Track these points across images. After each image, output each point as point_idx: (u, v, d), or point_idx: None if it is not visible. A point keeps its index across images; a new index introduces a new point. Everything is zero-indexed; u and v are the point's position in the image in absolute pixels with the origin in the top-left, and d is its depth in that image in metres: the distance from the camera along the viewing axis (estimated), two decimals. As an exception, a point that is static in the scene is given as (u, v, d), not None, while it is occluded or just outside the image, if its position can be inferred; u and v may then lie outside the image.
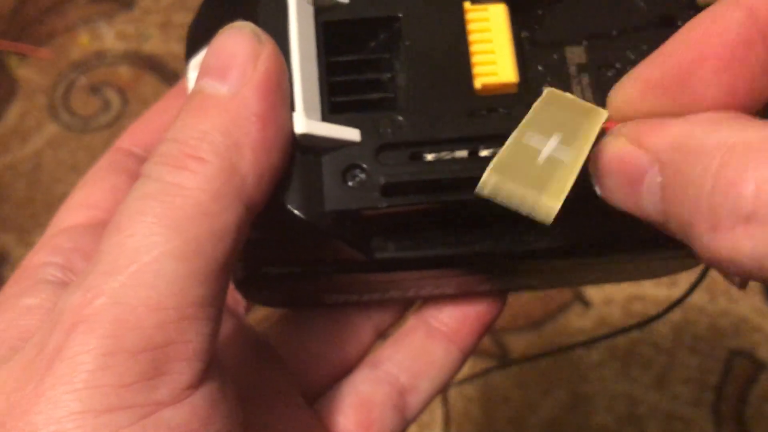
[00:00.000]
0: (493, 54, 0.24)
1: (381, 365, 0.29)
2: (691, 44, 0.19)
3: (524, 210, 0.20)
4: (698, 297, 0.58)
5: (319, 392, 0.29)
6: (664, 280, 0.59)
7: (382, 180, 0.22)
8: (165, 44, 0.72)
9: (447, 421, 0.54)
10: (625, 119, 0.20)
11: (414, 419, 0.29)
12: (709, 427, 0.53)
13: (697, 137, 0.17)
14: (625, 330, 0.35)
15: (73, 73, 0.71)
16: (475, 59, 0.24)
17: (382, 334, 0.30)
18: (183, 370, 0.19)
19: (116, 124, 0.68)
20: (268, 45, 0.21)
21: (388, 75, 0.24)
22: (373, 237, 0.24)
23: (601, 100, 0.23)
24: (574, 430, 0.54)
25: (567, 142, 0.20)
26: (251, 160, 0.20)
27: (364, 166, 0.22)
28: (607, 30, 0.25)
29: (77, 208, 0.27)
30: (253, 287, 0.26)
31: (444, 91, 0.23)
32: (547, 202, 0.19)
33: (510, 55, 0.24)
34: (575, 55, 0.25)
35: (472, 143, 0.23)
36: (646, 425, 0.54)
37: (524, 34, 0.25)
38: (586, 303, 0.58)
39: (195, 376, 0.19)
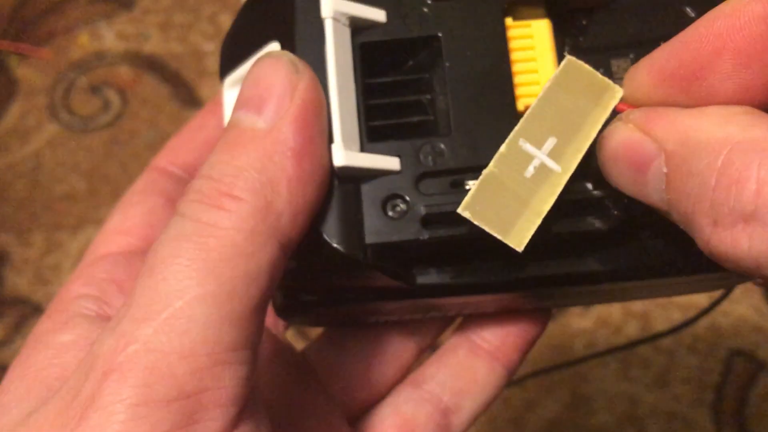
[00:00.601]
0: (536, 73, 0.23)
1: (423, 384, 0.28)
2: (710, 37, 0.18)
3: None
4: (698, 297, 0.58)
5: (360, 412, 0.28)
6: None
7: (422, 210, 0.22)
8: (165, 44, 0.72)
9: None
10: (637, 103, 0.20)
11: None
12: (709, 427, 0.53)
13: (705, 131, 0.17)
14: (654, 337, 0.35)
15: (73, 73, 0.71)
16: (517, 79, 0.23)
17: (424, 351, 0.29)
18: (217, 417, 0.18)
19: (116, 124, 0.68)
20: (305, 75, 0.21)
21: (428, 96, 0.23)
22: (415, 264, 0.23)
23: None
24: (574, 429, 0.54)
25: (565, 141, 0.20)
26: (287, 196, 0.20)
27: (405, 196, 0.22)
28: (654, 40, 0.23)
29: (113, 235, 0.27)
30: (293, 314, 0.26)
31: (485, 113, 0.23)
32: (512, 242, 0.20)
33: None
34: (621, 69, 0.24)
35: None
36: (646, 425, 0.54)
37: (568, 48, 0.24)
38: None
39: (229, 422, 0.19)
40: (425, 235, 0.22)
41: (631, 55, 0.24)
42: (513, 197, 0.20)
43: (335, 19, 0.22)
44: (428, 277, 0.23)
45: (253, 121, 0.20)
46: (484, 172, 0.20)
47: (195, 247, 0.19)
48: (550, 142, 0.20)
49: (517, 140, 0.20)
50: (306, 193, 0.20)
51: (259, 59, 0.21)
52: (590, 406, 0.54)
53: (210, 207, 0.19)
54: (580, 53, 0.23)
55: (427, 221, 0.22)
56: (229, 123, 0.21)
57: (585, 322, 0.57)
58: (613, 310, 0.58)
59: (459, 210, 0.20)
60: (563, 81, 0.21)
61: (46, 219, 0.66)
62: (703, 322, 0.57)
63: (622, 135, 0.19)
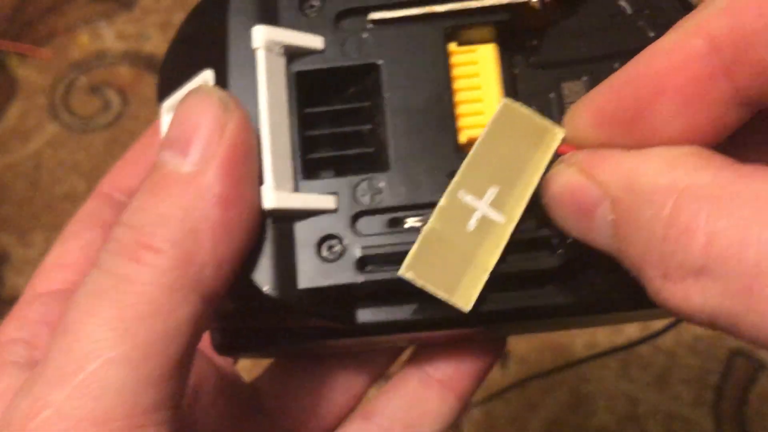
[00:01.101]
0: (480, 103, 0.22)
1: (374, 417, 0.27)
2: (650, 77, 0.17)
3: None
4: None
5: None
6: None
7: (358, 252, 0.21)
8: (165, 44, 0.71)
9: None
10: (580, 144, 0.19)
11: None
12: (709, 427, 0.53)
13: (650, 176, 0.16)
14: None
15: (73, 73, 0.71)
16: (460, 110, 0.22)
17: (375, 381, 0.29)
18: None
19: (116, 124, 0.68)
20: (235, 115, 0.20)
21: (368, 127, 0.22)
22: (356, 301, 0.22)
23: None
24: (574, 430, 0.54)
25: (507, 190, 0.19)
26: (210, 247, 0.19)
27: (341, 236, 0.21)
28: (609, 61, 0.22)
29: (52, 270, 0.26)
30: (232, 352, 0.25)
31: (426, 147, 0.21)
32: (458, 302, 0.19)
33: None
34: (573, 92, 0.23)
35: None
36: (646, 425, 0.53)
37: (517, 70, 0.23)
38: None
39: None
40: (360, 279, 0.21)
41: (584, 78, 0.22)
42: (456, 253, 0.19)
43: (268, 49, 0.21)
44: (369, 315, 0.22)
45: (177, 163, 0.19)
46: (424, 228, 0.19)
47: (110, 305, 0.18)
48: (492, 192, 0.20)
49: (457, 192, 0.19)
50: (232, 241, 0.19)
51: (187, 94, 0.20)
52: (590, 406, 0.54)
53: (128, 260, 0.18)
54: (530, 75, 0.22)
55: (363, 263, 0.21)
56: (155, 164, 0.20)
57: (585, 322, 0.57)
58: (613, 310, 0.58)
59: (400, 272, 0.19)
60: (501, 126, 0.20)
61: (47, 219, 0.66)
62: (703, 322, 0.57)
63: (566, 179, 0.18)
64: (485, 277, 0.19)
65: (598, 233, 0.18)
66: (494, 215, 0.19)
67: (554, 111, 0.22)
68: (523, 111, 0.20)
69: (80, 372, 0.17)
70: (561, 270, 0.21)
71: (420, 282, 0.19)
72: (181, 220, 0.19)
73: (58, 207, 0.66)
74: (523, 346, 0.57)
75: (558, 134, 0.20)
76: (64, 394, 0.17)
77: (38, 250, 0.64)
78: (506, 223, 0.19)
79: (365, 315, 0.22)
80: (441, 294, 0.19)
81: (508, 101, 0.20)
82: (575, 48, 0.22)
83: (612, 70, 0.20)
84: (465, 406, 0.27)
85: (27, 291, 0.26)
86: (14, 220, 0.66)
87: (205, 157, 0.19)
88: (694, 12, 0.17)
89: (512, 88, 0.22)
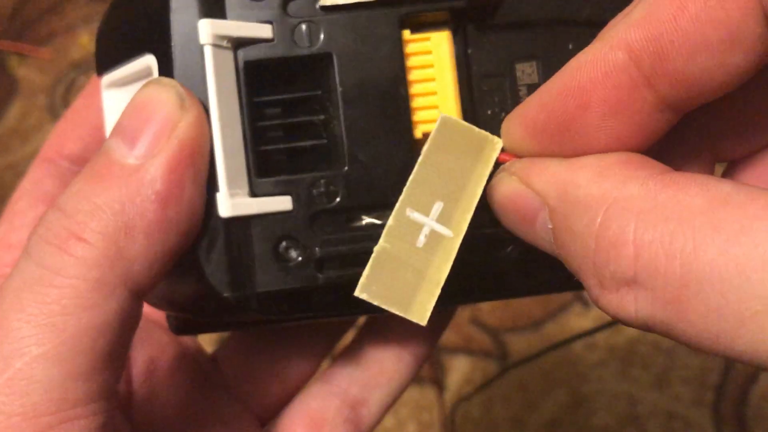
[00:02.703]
0: (435, 96, 0.22)
1: (331, 380, 0.28)
2: (575, 89, 0.18)
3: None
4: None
5: (272, 412, 0.28)
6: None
7: (317, 253, 0.21)
8: (165, 44, 0.72)
9: (447, 421, 0.54)
10: (517, 153, 0.19)
11: (370, 431, 0.28)
12: (709, 427, 0.53)
13: (582, 186, 0.17)
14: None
15: (73, 73, 0.71)
16: (415, 103, 0.21)
17: (332, 349, 0.29)
18: None
19: (116, 124, 0.68)
20: (190, 113, 0.19)
21: (322, 117, 0.21)
22: (311, 297, 0.22)
23: None
24: (574, 430, 0.54)
25: (452, 204, 0.20)
26: (142, 244, 0.18)
27: (298, 238, 0.21)
28: (562, 43, 0.22)
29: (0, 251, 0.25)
30: (187, 333, 0.25)
31: (382, 142, 0.21)
32: (414, 317, 0.19)
33: (453, 97, 0.22)
34: (526, 74, 0.22)
35: None
36: (646, 425, 0.54)
37: (471, 50, 0.22)
38: (586, 303, 0.58)
39: None
40: (320, 281, 0.21)
41: (534, 62, 0.22)
42: (408, 270, 0.19)
43: (215, 45, 0.20)
44: (324, 300, 0.22)
45: (123, 153, 0.19)
46: (375, 248, 0.19)
47: (36, 300, 0.18)
48: (438, 207, 0.20)
49: (404, 210, 0.19)
50: (167, 240, 0.19)
51: (147, 84, 0.20)
52: (590, 406, 0.54)
53: (57, 250, 0.18)
54: (484, 57, 0.22)
55: (322, 263, 0.21)
56: (101, 149, 0.19)
57: (585, 322, 0.57)
58: (613, 310, 0.58)
59: (356, 293, 0.19)
60: (441, 141, 0.20)
61: (46, 219, 0.66)
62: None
63: (507, 187, 0.19)
64: (438, 290, 0.20)
65: (541, 238, 0.18)
66: (442, 229, 0.20)
67: (508, 92, 0.22)
68: (461, 124, 0.20)
69: (8, 369, 0.18)
70: (514, 258, 0.22)
71: (374, 302, 0.19)
72: (115, 213, 0.18)
73: (58, 207, 0.66)
74: (522, 346, 0.57)
75: (497, 144, 0.20)
76: None
77: (38, 250, 0.64)
78: (454, 236, 0.20)
79: (320, 300, 0.22)
80: (396, 311, 0.19)
81: (446, 116, 0.20)
82: (529, 32, 0.22)
83: (566, 53, 0.21)
84: (421, 364, 0.28)
85: None
86: (14, 220, 0.66)
87: (151, 151, 0.19)
88: (614, 22, 0.18)
89: (466, 70, 0.22)
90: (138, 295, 0.19)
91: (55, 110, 0.70)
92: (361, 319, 0.29)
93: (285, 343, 0.28)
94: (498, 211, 0.20)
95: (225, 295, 0.20)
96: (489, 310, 0.58)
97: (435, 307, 0.24)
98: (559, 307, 0.58)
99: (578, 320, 0.58)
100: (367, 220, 0.21)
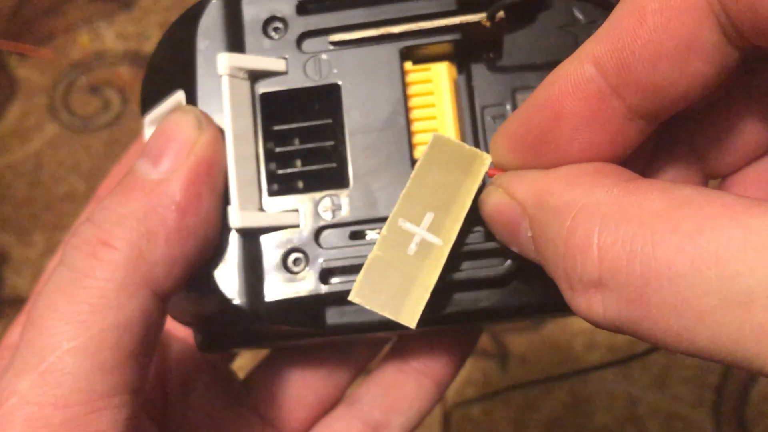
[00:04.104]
0: (434, 120, 0.23)
1: (355, 403, 0.29)
2: (550, 101, 0.19)
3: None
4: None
5: None
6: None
7: (322, 264, 0.22)
8: (165, 44, 0.72)
9: (447, 421, 0.54)
10: (504, 168, 0.20)
11: None
12: (709, 427, 0.53)
13: (555, 195, 0.18)
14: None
15: (73, 73, 0.71)
16: (415, 127, 0.23)
17: (359, 374, 0.31)
18: None
19: (116, 124, 0.68)
20: (207, 133, 0.22)
21: (331, 143, 0.23)
22: (320, 308, 0.23)
23: None
24: (574, 430, 0.54)
25: (442, 214, 0.21)
26: (163, 249, 0.20)
27: (304, 250, 0.22)
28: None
29: None
30: (213, 351, 0.27)
31: (383, 164, 0.23)
32: (404, 320, 0.20)
33: (452, 119, 0.23)
34: None
35: None
36: (646, 425, 0.54)
37: (475, 82, 0.24)
38: (586, 303, 0.58)
39: None
40: (323, 290, 0.22)
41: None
42: (400, 276, 0.21)
43: (232, 76, 0.22)
44: (336, 318, 0.23)
45: (147, 171, 0.21)
46: (369, 256, 0.21)
47: (68, 300, 0.20)
48: (429, 218, 0.21)
49: (397, 220, 0.21)
50: (186, 246, 0.21)
51: (170, 112, 0.22)
52: (590, 406, 0.54)
53: (86, 256, 0.20)
54: (486, 87, 0.24)
55: (327, 274, 0.22)
56: (129, 171, 0.22)
57: (585, 322, 0.57)
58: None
59: (350, 297, 0.20)
60: (433, 157, 0.21)
61: (46, 219, 0.66)
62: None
63: (493, 199, 0.20)
64: (427, 295, 0.21)
65: (525, 247, 0.19)
66: (432, 238, 0.21)
67: None
68: (452, 141, 0.22)
69: (42, 363, 0.19)
70: (511, 275, 0.23)
71: (367, 306, 0.20)
72: (139, 221, 0.20)
73: (57, 207, 0.66)
74: (523, 346, 0.57)
75: (486, 159, 0.21)
76: (28, 382, 0.19)
77: (38, 250, 0.64)
78: (443, 244, 0.21)
79: (333, 317, 0.23)
80: (387, 315, 0.20)
81: (438, 134, 0.22)
82: (529, 56, 0.24)
83: None
84: (443, 391, 0.30)
85: (31, 296, 0.27)
86: (14, 220, 0.66)
87: (172, 167, 0.21)
88: (589, 38, 0.19)
89: (470, 99, 0.24)
90: (160, 296, 0.21)
91: (54, 110, 0.70)
92: (386, 347, 0.31)
93: (312, 368, 0.30)
94: (488, 223, 0.21)
95: (236, 303, 0.22)
96: (489, 310, 0.58)
97: (456, 336, 0.26)
98: (559, 307, 0.58)
99: (578, 320, 0.57)
100: (370, 235, 0.23)
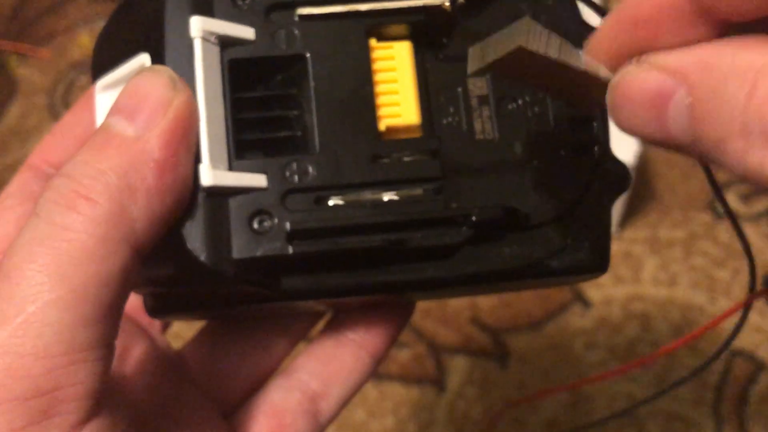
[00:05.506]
0: (397, 95, 0.24)
1: (293, 374, 0.30)
2: (640, 4, 0.19)
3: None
4: (698, 297, 0.58)
5: (236, 405, 0.30)
6: (664, 280, 0.59)
7: (287, 226, 0.23)
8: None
9: (447, 420, 0.54)
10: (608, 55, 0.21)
11: (328, 423, 0.30)
12: (709, 427, 0.53)
13: (727, 58, 0.18)
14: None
15: (73, 73, 0.71)
16: (379, 100, 0.24)
17: (296, 345, 0.31)
18: (72, 410, 0.20)
19: (116, 124, 0.68)
20: (182, 93, 0.22)
21: (295, 113, 0.24)
22: (281, 271, 0.24)
23: (502, 133, 0.25)
24: (574, 430, 0.54)
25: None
26: (143, 205, 0.21)
27: (271, 212, 0.23)
28: None
29: None
30: (163, 315, 0.27)
31: (349, 133, 0.24)
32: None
33: (413, 96, 0.24)
34: (477, 87, 0.25)
35: (375, 188, 0.23)
36: (646, 425, 0.54)
37: (429, 65, 0.25)
38: (586, 303, 0.58)
39: (84, 414, 0.20)
40: (290, 251, 0.23)
41: (487, 75, 0.25)
42: None
43: (204, 39, 0.23)
44: (292, 283, 0.24)
45: (123, 127, 0.21)
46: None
47: (47, 252, 0.20)
48: None
49: None
50: (164, 204, 0.21)
51: (139, 72, 0.22)
52: (590, 406, 0.54)
53: (65, 209, 0.20)
54: (440, 70, 0.25)
55: (292, 236, 0.23)
56: (101, 126, 0.22)
57: (585, 322, 0.57)
58: (613, 311, 0.58)
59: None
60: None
61: (46, 219, 0.66)
62: (704, 323, 0.57)
63: (638, 76, 0.20)
64: None
65: (674, 122, 0.19)
66: None
67: (461, 103, 0.25)
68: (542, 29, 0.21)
69: (21, 313, 0.19)
70: (465, 244, 0.24)
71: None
72: (119, 176, 0.20)
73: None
74: (522, 346, 0.57)
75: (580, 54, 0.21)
76: (7, 332, 0.19)
77: (38, 250, 0.64)
78: None
79: (289, 283, 0.24)
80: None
81: (528, 18, 0.21)
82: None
83: None
84: (378, 363, 0.30)
85: None
86: (14, 220, 0.66)
87: (149, 125, 0.21)
88: None
89: (424, 80, 0.25)
90: (139, 253, 0.21)
91: (55, 110, 0.70)
92: (321, 323, 0.31)
93: (250, 340, 0.30)
94: (621, 105, 0.20)
95: (202, 259, 0.22)
96: (489, 310, 0.58)
97: (392, 310, 0.28)
98: (559, 307, 0.58)
99: (578, 320, 0.58)
100: (333, 201, 0.23)
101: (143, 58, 0.24)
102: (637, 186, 0.59)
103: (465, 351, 0.57)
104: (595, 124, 0.25)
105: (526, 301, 0.59)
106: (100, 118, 0.26)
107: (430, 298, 0.37)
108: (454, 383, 0.55)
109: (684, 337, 0.32)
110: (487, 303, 0.58)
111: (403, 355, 0.56)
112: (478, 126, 0.25)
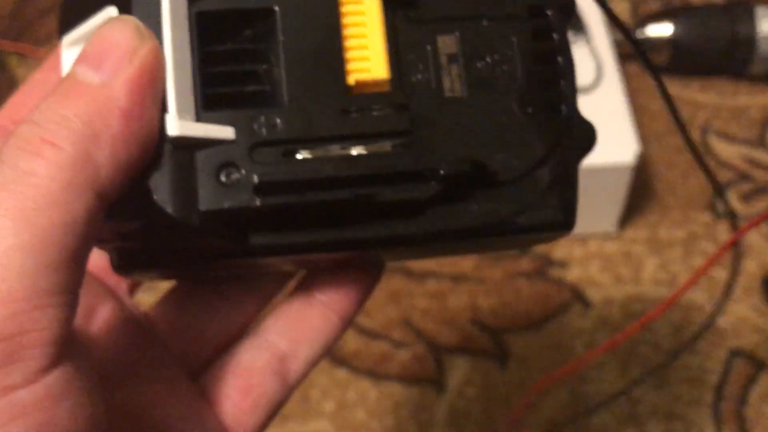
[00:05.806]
0: (366, 50, 0.24)
1: (262, 334, 0.30)
2: None
3: None
4: (698, 297, 0.58)
5: (205, 365, 0.30)
6: (664, 280, 0.59)
7: (255, 179, 0.23)
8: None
9: (447, 420, 0.54)
10: None
11: (296, 383, 0.30)
12: (709, 427, 0.53)
13: None
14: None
15: (73, 73, 0.71)
16: (349, 55, 0.24)
17: (264, 306, 0.31)
18: (36, 356, 0.20)
19: (116, 124, 0.68)
20: (148, 42, 0.22)
21: (264, 67, 0.24)
22: (249, 226, 0.24)
23: (470, 90, 0.25)
24: (574, 430, 0.54)
25: None
26: (109, 152, 0.21)
27: (238, 164, 0.23)
28: (478, 19, 0.25)
29: None
30: (129, 272, 0.27)
31: (318, 87, 0.24)
32: None
33: (382, 50, 0.24)
34: (446, 45, 0.25)
35: (343, 142, 0.23)
36: (646, 425, 0.54)
37: (399, 23, 0.25)
38: (586, 303, 0.58)
39: (48, 360, 0.20)
40: (257, 203, 0.23)
41: (457, 33, 0.25)
42: None
43: None
44: (260, 239, 0.24)
45: (89, 75, 0.21)
46: None
47: (11, 197, 0.19)
48: None
49: None
50: (129, 152, 0.21)
51: (107, 21, 0.22)
52: (590, 406, 0.54)
53: (29, 154, 0.20)
54: (409, 29, 0.25)
55: (259, 189, 0.23)
56: (66, 74, 0.22)
57: (585, 322, 0.57)
58: (613, 311, 0.58)
59: None
60: None
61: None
62: (704, 323, 0.57)
63: None
64: None
65: None
66: None
67: (430, 61, 0.25)
68: None
69: None
70: (434, 200, 0.24)
71: None
72: (84, 123, 0.20)
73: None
74: (522, 346, 0.57)
75: None
76: None
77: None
78: None
79: (257, 239, 0.24)
80: None
81: None
82: (448, 7, 0.25)
83: (481, 27, 0.25)
84: (347, 325, 0.30)
85: None
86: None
87: (115, 73, 0.21)
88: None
89: (394, 38, 0.25)
90: (103, 200, 0.21)
91: (55, 110, 0.70)
92: (291, 284, 0.32)
93: (217, 301, 0.31)
94: None
95: (169, 211, 0.22)
96: (489, 310, 0.58)
97: (361, 271, 0.29)
98: (559, 307, 0.58)
99: (578, 320, 0.58)
100: (302, 154, 0.23)
101: (110, 11, 0.24)
102: (637, 186, 0.59)
103: (465, 351, 0.57)
104: (562, 83, 0.26)
105: (526, 301, 0.59)
106: (65, 72, 0.27)
107: (399, 258, 0.37)
108: (454, 383, 0.55)
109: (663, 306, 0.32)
110: (487, 303, 0.58)
111: (403, 355, 0.56)
112: (447, 83, 0.25)
